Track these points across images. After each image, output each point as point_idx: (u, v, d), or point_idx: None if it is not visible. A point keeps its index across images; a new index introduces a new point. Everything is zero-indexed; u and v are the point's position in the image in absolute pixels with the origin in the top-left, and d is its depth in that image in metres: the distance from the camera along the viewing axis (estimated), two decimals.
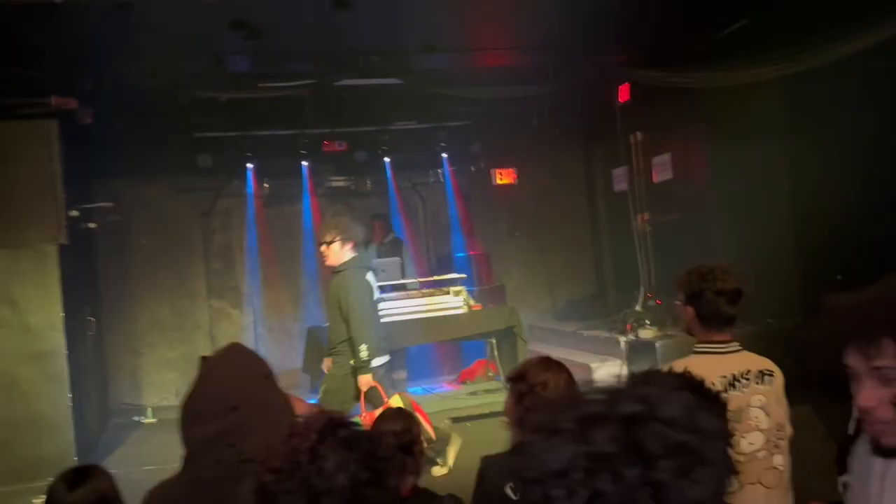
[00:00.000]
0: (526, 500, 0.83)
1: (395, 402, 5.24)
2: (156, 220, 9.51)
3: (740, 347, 2.76)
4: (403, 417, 3.02)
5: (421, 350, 9.20)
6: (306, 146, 9.42)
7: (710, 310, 2.68)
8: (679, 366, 2.25)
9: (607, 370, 7.60)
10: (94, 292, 8.83)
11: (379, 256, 8.88)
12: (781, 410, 2.72)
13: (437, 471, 5.79)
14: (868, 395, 1.29)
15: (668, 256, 8.04)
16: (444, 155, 10.17)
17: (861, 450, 1.47)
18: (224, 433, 1.69)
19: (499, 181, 10.48)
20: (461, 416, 7.24)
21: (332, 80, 7.72)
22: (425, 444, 3.05)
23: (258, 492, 1.36)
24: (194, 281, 9.79)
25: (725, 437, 0.89)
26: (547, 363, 2.43)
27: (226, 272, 10.00)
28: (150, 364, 9.46)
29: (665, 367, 2.34)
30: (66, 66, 6.71)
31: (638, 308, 8.01)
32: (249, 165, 9.52)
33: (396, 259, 8.54)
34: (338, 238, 5.39)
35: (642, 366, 6.66)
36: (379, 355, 5.38)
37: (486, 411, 7.08)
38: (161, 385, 9.36)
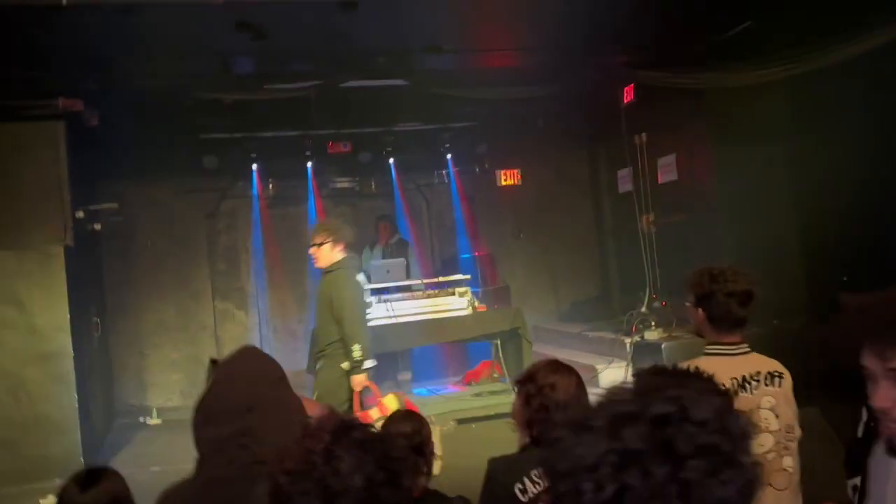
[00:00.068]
0: (555, 492, 0.85)
1: (389, 401, 5.16)
2: (161, 222, 9.52)
3: (750, 349, 2.75)
4: (413, 419, 3.01)
5: (426, 351, 9.20)
6: (311, 147, 9.43)
7: (721, 311, 2.66)
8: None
9: (612, 372, 7.59)
10: (100, 293, 8.84)
11: (384, 258, 8.90)
12: (790, 412, 2.71)
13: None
14: (884, 396, 1.30)
15: (673, 257, 8.05)
16: (449, 156, 10.18)
17: (879, 451, 1.47)
18: (238, 434, 1.70)
19: (503, 182, 10.50)
20: (466, 417, 7.24)
21: (337, 82, 7.71)
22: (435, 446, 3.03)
23: (273, 493, 1.36)
24: (199, 282, 9.79)
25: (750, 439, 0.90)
26: (556, 366, 2.43)
27: (231, 273, 10.00)
28: (155, 365, 9.46)
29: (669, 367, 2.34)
30: (73, 68, 6.72)
31: (643, 309, 8.01)
32: (254, 166, 9.53)
33: (401, 260, 8.53)
34: (328, 240, 5.34)
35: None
36: (369, 357, 5.28)
37: (492, 412, 7.09)
38: (166, 386, 9.38)
